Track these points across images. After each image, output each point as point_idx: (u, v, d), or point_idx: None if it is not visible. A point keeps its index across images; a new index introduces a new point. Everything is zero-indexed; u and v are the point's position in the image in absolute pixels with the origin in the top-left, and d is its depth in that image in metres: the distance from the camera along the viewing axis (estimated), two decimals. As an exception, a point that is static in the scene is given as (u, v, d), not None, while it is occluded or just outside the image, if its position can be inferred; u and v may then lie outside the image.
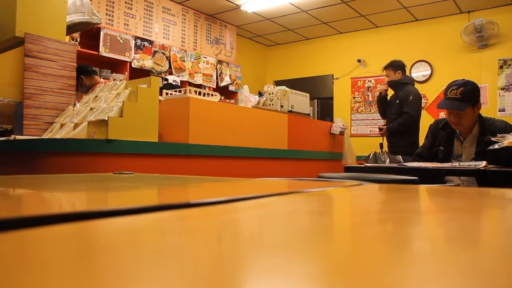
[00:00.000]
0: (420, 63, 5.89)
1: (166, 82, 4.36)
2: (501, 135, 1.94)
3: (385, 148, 3.62)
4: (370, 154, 2.90)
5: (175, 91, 3.07)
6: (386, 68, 3.76)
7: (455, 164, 2.10)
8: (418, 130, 3.61)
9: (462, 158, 2.24)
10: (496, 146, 1.90)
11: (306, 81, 6.89)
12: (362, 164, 2.50)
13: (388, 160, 2.52)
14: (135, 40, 4.97)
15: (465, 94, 2.12)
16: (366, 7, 5.63)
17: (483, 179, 1.84)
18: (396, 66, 3.70)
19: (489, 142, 1.98)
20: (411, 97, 3.53)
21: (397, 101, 3.60)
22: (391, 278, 0.17)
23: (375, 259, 0.21)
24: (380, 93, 3.86)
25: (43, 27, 2.50)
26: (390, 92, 3.82)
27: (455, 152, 2.28)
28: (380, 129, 3.75)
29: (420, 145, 2.83)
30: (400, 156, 2.79)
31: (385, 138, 3.77)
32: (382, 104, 3.80)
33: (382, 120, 4.22)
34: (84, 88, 3.50)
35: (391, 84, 3.70)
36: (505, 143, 1.87)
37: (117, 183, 0.84)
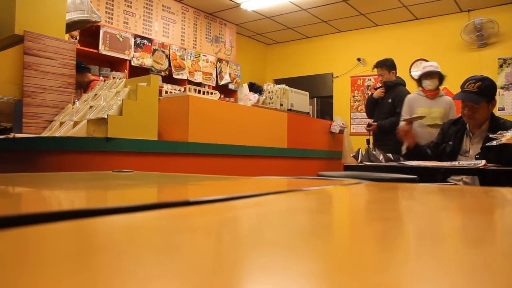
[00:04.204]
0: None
1: None
2: (499, 132, 1.95)
3: (371, 145, 3.61)
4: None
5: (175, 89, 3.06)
6: (380, 66, 3.72)
7: (455, 163, 2.10)
8: None
9: (470, 153, 2.27)
10: (494, 143, 1.91)
11: (306, 80, 6.89)
12: (362, 163, 2.50)
13: (359, 156, 2.48)
14: (134, 38, 4.97)
15: (482, 89, 2.16)
16: (366, 5, 5.62)
17: (484, 178, 1.85)
18: (390, 65, 3.70)
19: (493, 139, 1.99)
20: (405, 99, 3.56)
21: (390, 101, 3.62)
22: (390, 276, 0.17)
23: (374, 257, 0.21)
24: (372, 94, 3.85)
25: (42, 25, 2.50)
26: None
27: (463, 148, 2.32)
28: (369, 125, 3.73)
29: None
30: (380, 153, 2.67)
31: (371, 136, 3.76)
32: (373, 106, 3.80)
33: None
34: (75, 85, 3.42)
35: (388, 84, 3.70)
36: (503, 140, 1.87)
37: (116, 181, 0.84)
